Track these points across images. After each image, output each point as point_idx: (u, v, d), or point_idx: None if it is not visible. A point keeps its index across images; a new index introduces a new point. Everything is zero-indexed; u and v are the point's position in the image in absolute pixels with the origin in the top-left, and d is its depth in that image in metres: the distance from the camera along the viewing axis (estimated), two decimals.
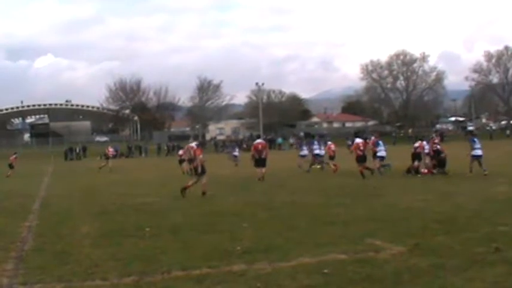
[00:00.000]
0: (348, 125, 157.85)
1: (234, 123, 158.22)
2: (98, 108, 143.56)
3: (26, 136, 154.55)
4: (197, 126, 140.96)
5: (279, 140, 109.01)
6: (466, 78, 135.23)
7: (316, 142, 42.10)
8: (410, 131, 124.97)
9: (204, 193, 23.71)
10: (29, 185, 36.23)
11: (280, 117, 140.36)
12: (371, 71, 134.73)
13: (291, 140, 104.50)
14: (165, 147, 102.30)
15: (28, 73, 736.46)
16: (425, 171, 31.14)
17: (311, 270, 10.00)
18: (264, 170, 31.58)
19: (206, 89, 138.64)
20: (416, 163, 31.42)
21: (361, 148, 31.51)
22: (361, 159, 31.30)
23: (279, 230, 14.39)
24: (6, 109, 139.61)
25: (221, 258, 11.18)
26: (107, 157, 51.89)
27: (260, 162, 31.98)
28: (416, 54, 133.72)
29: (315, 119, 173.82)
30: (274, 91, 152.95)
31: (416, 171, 30.97)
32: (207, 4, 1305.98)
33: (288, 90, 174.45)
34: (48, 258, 11.98)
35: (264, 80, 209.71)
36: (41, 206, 23.02)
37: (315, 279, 9.44)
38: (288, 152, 51.43)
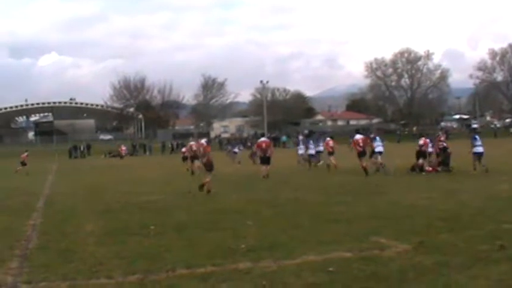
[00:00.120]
0: (352, 122, 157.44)
1: (239, 121, 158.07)
2: (102, 106, 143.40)
3: (30, 134, 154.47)
4: (201, 124, 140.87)
5: (283, 138, 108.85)
6: (471, 76, 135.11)
7: (311, 141, 42.01)
8: (414, 129, 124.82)
9: (208, 191, 23.75)
10: (33, 183, 36.27)
11: (284, 115, 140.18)
12: (375, 68, 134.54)
13: (295, 138, 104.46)
14: (170, 145, 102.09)
15: (32, 71, 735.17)
16: (430, 169, 31.09)
17: (316, 268, 10.00)
18: (268, 167, 31.69)
19: (210, 87, 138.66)
20: (420, 161, 31.37)
21: (361, 144, 31.82)
22: (361, 154, 31.63)
23: (283, 227, 14.39)
24: (11, 107, 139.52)
25: (226, 256, 11.19)
26: (121, 156, 51.80)
27: (265, 160, 32.12)
28: (421, 52, 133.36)
29: (319, 117, 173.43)
30: (278, 89, 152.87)
31: (421, 169, 30.92)
32: (211, 2, 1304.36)
33: (292, 88, 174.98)
34: (53, 256, 12.00)
35: (269, 78, 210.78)
36: (45, 204, 23.06)
37: (319, 277, 9.44)
38: (292, 150, 51.40)
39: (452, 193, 20.75)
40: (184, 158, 44.39)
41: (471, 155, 30.38)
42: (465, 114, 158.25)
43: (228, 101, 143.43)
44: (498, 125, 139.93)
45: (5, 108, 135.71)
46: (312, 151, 40.01)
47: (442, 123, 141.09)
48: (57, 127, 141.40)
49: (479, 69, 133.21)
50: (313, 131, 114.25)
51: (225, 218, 16.69)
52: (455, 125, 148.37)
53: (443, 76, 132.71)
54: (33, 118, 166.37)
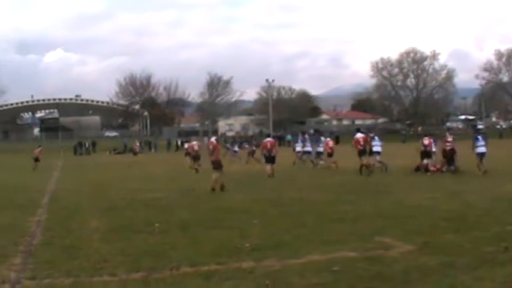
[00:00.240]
0: (357, 122, 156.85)
1: (244, 119, 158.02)
2: (107, 103, 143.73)
3: (36, 130, 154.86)
4: (207, 122, 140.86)
5: (288, 136, 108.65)
6: (477, 76, 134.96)
7: (308, 139, 42.07)
8: (420, 128, 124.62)
9: (213, 189, 23.78)
10: (38, 179, 36.31)
11: (289, 114, 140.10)
12: (381, 68, 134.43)
13: (300, 137, 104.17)
14: (175, 143, 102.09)
15: (38, 67, 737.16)
16: (434, 169, 31.05)
17: (320, 268, 9.98)
18: (273, 166, 31.74)
19: (216, 85, 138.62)
20: (425, 161, 31.33)
21: (361, 143, 32.07)
22: (361, 153, 31.86)
23: (288, 226, 14.38)
24: (17, 103, 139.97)
25: (230, 255, 11.17)
26: (135, 152, 51.63)
27: (270, 159, 32.15)
28: (427, 52, 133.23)
29: (324, 116, 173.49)
30: (284, 88, 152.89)
31: (426, 169, 30.88)
32: (217, 0, 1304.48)
33: (297, 87, 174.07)
34: (57, 252, 12.00)
35: (274, 77, 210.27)
36: (50, 200, 23.08)
37: (324, 277, 9.41)
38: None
39: (458, 194, 20.72)
40: (187, 154, 44.52)
41: (475, 155, 30.41)
42: (471, 114, 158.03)
43: (234, 99, 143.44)
44: (504, 126, 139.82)
45: (11, 104, 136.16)
46: (308, 148, 40.05)
47: (448, 124, 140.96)
48: (62, 123, 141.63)
49: (486, 70, 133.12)
50: (319, 130, 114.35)
51: (230, 216, 16.69)
52: (460, 125, 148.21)
53: (449, 76, 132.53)
54: (38, 114, 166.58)
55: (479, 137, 31.72)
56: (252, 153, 49.17)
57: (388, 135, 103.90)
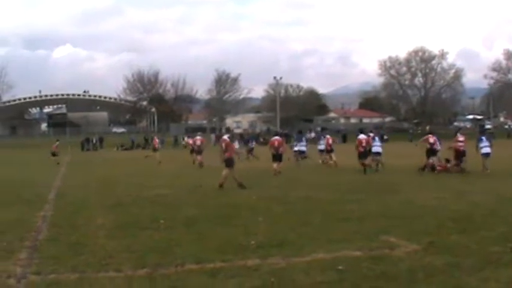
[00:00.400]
0: (365, 120, 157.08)
1: (251, 116, 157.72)
2: (115, 99, 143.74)
3: (44, 126, 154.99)
4: (214, 119, 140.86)
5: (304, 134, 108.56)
6: (485, 76, 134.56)
7: (303, 138, 42.18)
8: (427, 128, 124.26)
9: (221, 185, 23.79)
10: (45, 174, 36.34)
11: (297, 112, 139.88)
12: (389, 67, 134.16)
13: (308, 135, 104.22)
14: (182, 140, 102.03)
15: (46, 63, 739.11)
16: (441, 168, 31.01)
17: (325, 266, 9.99)
18: (280, 164, 31.79)
19: (224, 82, 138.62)
20: (431, 160, 31.30)
21: (363, 144, 32.54)
22: (361, 155, 32.47)
23: (294, 225, 14.39)
24: (25, 98, 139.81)
25: (235, 252, 11.20)
26: (154, 148, 51.34)
27: (277, 157, 32.20)
28: (435, 51, 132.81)
29: (332, 114, 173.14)
30: (291, 85, 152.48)
31: (432, 168, 30.84)
32: None
33: (305, 84, 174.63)
34: (63, 248, 12.03)
35: (282, 74, 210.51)
36: (57, 196, 23.09)
37: (329, 276, 9.43)
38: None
39: (464, 194, 20.68)
40: (192, 151, 44.58)
41: (479, 156, 30.44)
42: (479, 114, 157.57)
43: (241, 97, 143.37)
44: None
45: (19, 100, 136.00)
46: (302, 147, 40.12)
47: (455, 123, 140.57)
48: (70, 119, 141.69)
49: (494, 69, 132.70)
50: (326, 128, 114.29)
51: (236, 213, 16.70)
52: (468, 125, 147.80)
53: (457, 76, 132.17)
54: (46, 110, 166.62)
55: (483, 137, 31.72)
56: (250, 151, 49.09)
57: (396, 134, 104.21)
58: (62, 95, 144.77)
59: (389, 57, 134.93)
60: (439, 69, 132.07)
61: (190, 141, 47.41)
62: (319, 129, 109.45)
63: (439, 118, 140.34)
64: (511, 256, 10.51)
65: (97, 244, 12.40)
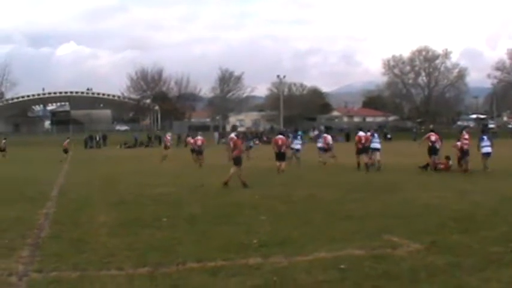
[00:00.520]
0: (368, 119, 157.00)
1: (255, 115, 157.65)
2: (119, 97, 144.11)
3: (47, 123, 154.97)
4: (217, 118, 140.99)
5: (299, 133, 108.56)
6: (489, 75, 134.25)
7: (298, 136, 42.25)
8: (431, 127, 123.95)
9: (226, 183, 23.80)
10: (48, 172, 36.38)
11: (300, 110, 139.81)
12: (393, 66, 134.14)
13: (311, 134, 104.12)
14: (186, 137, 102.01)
15: (50, 60, 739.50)
16: (442, 166, 31.01)
17: (327, 265, 9.99)
18: (283, 164, 31.89)
19: (227, 80, 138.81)
20: (433, 158, 31.31)
21: (362, 141, 33.12)
22: (360, 151, 33.12)
23: (296, 224, 14.39)
24: (28, 96, 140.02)
25: (237, 251, 11.19)
26: (166, 146, 51.12)
27: (279, 156, 32.30)
28: (439, 50, 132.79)
29: (335, 113, 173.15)
30: (295, 84, 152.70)
31: (435, 167, 30.84)
32: None
33: (309, 83, 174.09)
34: (65, 246, 12.04)
35: (286, 73, 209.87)
36: (60, 193, 23.13)
37: (331, 275, 9.42)
38: (307, 146, 51.47)
39: (466, 193, 20.64)
40: (193, 151, 44.54)
41: (480, 155, 30.47)
42: (482, 114, 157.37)
43: (245, 95, 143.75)
44: None
45: (22, 97, 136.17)
46: (297, 145, 40.18)
47: (459, 122, 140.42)
48: (73, 117, 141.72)
49: (498, 69, 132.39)
50: (330, 127, 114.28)
51: (238, 212, 16.71)
52: (472, 124, 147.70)
53: (461, 75, 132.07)
54: (50, 107, 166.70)
55: (485, 136, 31.72)
56: (247, 149, 49.05)
57: (399, 133, 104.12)
58: (66, 92, 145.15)
59: (393, 56, 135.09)
60: (442, 68, 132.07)
61: (192, 141, 47.31)
62: (322, 127, 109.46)
63: (442, 117, 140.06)
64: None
65: (99, 242, 12.41)
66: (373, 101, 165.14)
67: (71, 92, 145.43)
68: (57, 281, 9.38)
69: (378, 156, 33.93)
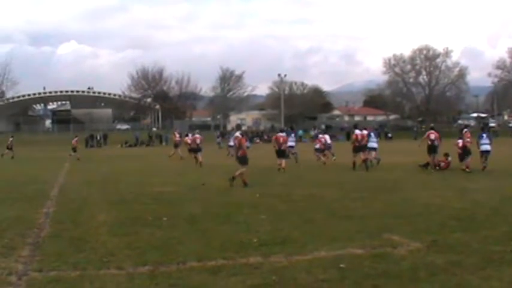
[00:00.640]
0: (369, 118, 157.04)
1: (256, 114, 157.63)
2: (119, 96, 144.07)
3: (48, 122, 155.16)
4: (218, 117, 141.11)
5: (300, 132, 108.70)
6: (489, 74, 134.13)
7: (293, 134, 42.46)
8: (431, 125, 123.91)
9: (233, 178, 23.85)
10: (48, 171, 36.37)
11: (301, 109, 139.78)
12: (394, 65, 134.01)
13: (312, 132, 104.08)
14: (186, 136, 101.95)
15: (51, 59, 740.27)
16: (443, 164, 31.02)
17: (327, 265, 9.97)
18: (284, 161, 32.00)
19: (228, 79, 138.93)
20: (432, 156, 31.32)
21: (358, 139, 33.05)
22: (356, 149, 33.09)
23: (296, 223, 14.38)
24: (29, 95, 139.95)
25: (237, 250, 11.18)
26: (176, 144, 50.94)
27: (280, 153, 32.46)
28: (440, 49, 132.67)
29: (336, 112, 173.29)
30: (296, 83, 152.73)
31: (438, 165, 30.83)
32: None
33: (310, 82, 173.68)
34: (64, 245, 12.03)
35: (286, 72, 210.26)
36: (60, 192, 23.11)
37: (330, 274, 9.40)
38: (308, 144, 51.35)
39: (467, 192, 20.65)
40: (190, 150, 44.49)
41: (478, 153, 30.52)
42: (483, 112, 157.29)
43: (246, 94, 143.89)
44: None
45: (23, 96, 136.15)
46: (291, 143, 40.27)
47: (460, 121, 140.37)
48: (74, 116, 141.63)
49: (498, 67, 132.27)
50: (330, 126, 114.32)
51: (239, 211, 16.67)
52: (472, 123, 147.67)
53: (462, 74, 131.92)
54: (50, 106, 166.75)
55: (484, 134, 31.78)
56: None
57: (400, 132, 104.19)
58: (66, 91, 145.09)
59: (394, 55, 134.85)
60: (443, 67, 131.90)
61: (189, 140, 47.24)
62: (323, 126, 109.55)
63: (443, 116, 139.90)
64: None
65: (99, 241, 12.39)
66: (373, 100, 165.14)
67: (72, 91, 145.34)
68: (57, 280, 9.37)
69: (373, 155, 34.16)
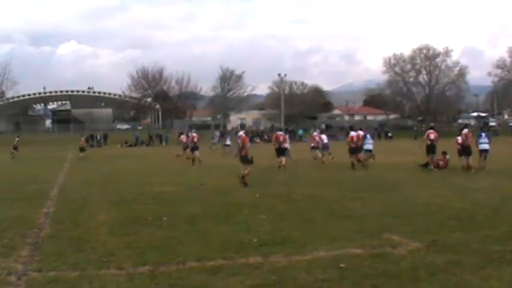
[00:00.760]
0: (369, 118, 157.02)
1: (256, 114, 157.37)
2: (120, 96, 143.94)
3: (48, 122, 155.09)
4: (218, 116, 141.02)
5: (300, 131, 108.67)
6: (489, 73, 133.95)
7: (287, 135, 42.58)
8: (431, 125, 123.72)
9: (243, 177, 23.97)
10: (48, 171, 36.35)
11: (301, 109, 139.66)
12: (394, 64, 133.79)
13: (312, 132, 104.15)
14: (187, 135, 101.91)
15: (51, 59, 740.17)
16: (442, 163, 31.03)
17: (327, 265, 9.98)
18: (284, 159, 32.24)
19: (228, 79, 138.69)
20: (431, 156, 31.33)
21: (354, 141, 33.63)
22: (352, 151, 33.46)
23: (296, 223, 14.38)
24: (29, 95, 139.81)
25: (237, 250, 11.19)
26: (186, 146, 50.37)
27: (280, 151, 32.71)
28: (440, 48, 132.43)
29: (336, 112, 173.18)
30: (296, 83, 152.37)
31: (437, 164, 30.82)
32: None
33: (310, 82, 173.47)
34: (64, 245, 12.03)
35: (287, 72, 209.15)
36: (60, 192, 23.11)
37: (330, 274, 9.41)
38: (308, 144, 51.51)
39: (467, 192, 20.64)
40: (185, 148, 44.49)
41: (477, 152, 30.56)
42: (483, 112, 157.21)
43: (246, 94, 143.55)
44: None
45: (23, 96, 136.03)
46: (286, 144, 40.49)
47: (460, 121, 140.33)
48: (74, 115, 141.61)
49: (498, 67, 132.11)
50: (330, 125, 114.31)
51: (238, 211, 16.66)
52: (472, 122, 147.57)
53: (462, 73, 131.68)
54: (50, 106, 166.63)
55: (483, 133, 31.85)
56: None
57: (400, 131, 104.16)
58: (67, 91, 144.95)
59: (394, 55, 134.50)
60: (443, 66, 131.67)
61: (184, 139, 47.26)
62: (323, 126, 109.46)
63: (443, 116, 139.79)
64: None
65: (99, 241, 12.40)
66: (374, 100, 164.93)
67: (72, 91, 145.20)
68: (56, 280, 9.38)
69: (368, 155, 34.46)
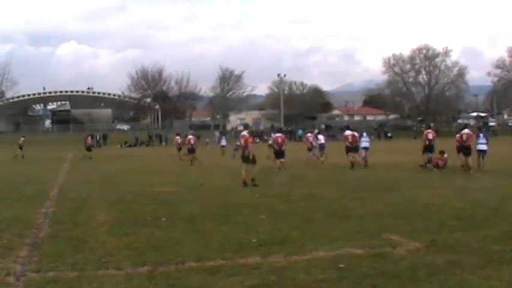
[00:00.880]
0: (369, 118, 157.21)
1: (255, 114, 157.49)
2: (119, 96, 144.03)
3: (47, 122, 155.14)
4: (218, 116, 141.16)
5: (299, 131, 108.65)
6: (489, 73, 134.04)
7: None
8: (431, 125, 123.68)
9: (253, 180, 24.08)
10: (48, 171, 36.36)
11: (301, 109, 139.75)
12: (393, 64, 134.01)
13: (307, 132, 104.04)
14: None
15: (51, 60, 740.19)
16: (441, 162, 31.05)
17: (326, 265, 9.94)
18: (283, 160, 32.30)
19: (228, 79, 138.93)
20: (428, 155, 31.36)
21: (350, 140, 33.85)
22: (348, 150, 33.75)
23: (296, 223, 14.36)
24: (28, 95, 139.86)
25: (236, 250, 11.16)
26: (191, 149, 49.88)
27: (279, 153, 32.69)
28: (439, 48, 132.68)
29: (336, 112, 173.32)
30: (295, 83, 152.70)
31: (437, 164, 30.82)
32: None
33: (309, 82, 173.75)
34: (63, 245, 12.00)
35: (286, 72, 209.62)
36: (59, 192, 23.11)
37: (329, 274, 9.38)
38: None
39: (467, 191, 20.64)
40: (179, 149, 44.57)
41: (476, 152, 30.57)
42: (482, 112, 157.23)
43: (245, 94, 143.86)
44: None
45: (23, 96, 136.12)
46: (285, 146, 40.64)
47: (459, 121, 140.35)
48: (74, 116, 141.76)
49: (498, 67, 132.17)
50: (330, 126, 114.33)
51: (238, 211, 16.64)
52: (472, 122, 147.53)
53: (461, 73, 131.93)
54: (50, 106, 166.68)
55: (481, 134, 31.88)
56: (236, 148, 48.94)
57: (399, 131, 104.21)
58: (66, 91, 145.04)
59: (394, 55, 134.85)
60: (443, 66, 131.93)
61: (179, 141, 47.39)
62: (323, 126, 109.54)
63: (442, 116, 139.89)
64: None
65: (97, 241, 12.37)
66: (373, 100, 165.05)
67: (72, 91, 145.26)
68: (55, 281, 9.34)
69: (363, 154, 34.50)
